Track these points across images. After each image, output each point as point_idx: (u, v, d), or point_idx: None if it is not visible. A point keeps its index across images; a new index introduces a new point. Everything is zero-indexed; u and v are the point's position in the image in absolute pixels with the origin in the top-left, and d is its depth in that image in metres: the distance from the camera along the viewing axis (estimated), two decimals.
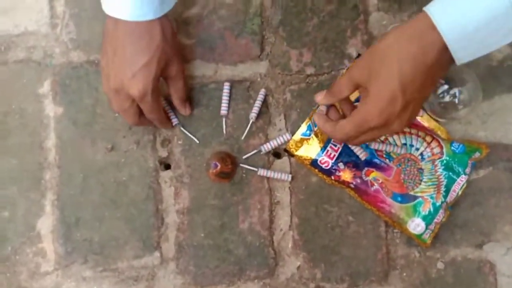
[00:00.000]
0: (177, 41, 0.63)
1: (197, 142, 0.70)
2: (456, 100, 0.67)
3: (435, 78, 0.50)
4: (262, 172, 0.69)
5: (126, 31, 0.57)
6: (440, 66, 0.49)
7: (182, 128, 0.70)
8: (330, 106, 0.60)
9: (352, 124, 0.54)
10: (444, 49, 0.47)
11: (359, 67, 0.53)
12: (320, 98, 0.59)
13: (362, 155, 0.67)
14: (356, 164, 0.67)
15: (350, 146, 0.67)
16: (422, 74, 0.48)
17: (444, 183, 0.67)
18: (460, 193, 0.68)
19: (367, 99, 0.52)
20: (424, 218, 0.67)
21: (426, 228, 0.67)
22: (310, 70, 0.71)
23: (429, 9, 0.47)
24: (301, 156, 0.68)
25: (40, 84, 0.72)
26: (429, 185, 0.67)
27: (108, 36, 0.59)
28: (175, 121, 0.70)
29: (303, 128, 0.68)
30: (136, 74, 0.58)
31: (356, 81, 0.54)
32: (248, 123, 0.70)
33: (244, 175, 0.70)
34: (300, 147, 0.68)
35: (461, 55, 0.47)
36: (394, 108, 0.50)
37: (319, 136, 0.68)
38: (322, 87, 0.71)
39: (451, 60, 0.48)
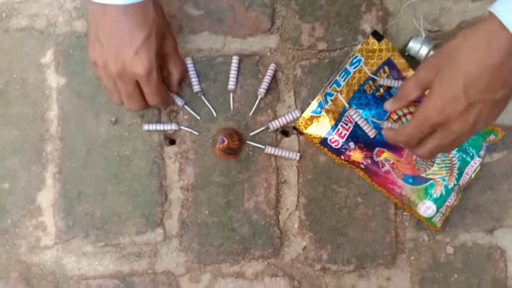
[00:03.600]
0: (165, 15, 0.62)
1: (198, 118, 0.68)
2: None
3: (508, 80, 0.47)
4: (269, 149, 0.67)
5: (118, 13, 0.55)
6: None
7: (185, 106, 0.68)
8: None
9: (413, 122, 0.53)
10: None
11: (426, 67, 0.52)
12: (389, 104, 0.58)
13: (371, 132, 0.65)
14: (367, 144, 0.65)
15: (360, 124, 0.64)
16: (488, 76, 0.46)
17: (457, 165, 0.65)
18: (473, 176, 0.66)
19: (430, 96, 0.50)
20: (435, 201, 0.65)
21: (437, 211, 0.65)
22: (322, 46, 0.69)
23: (495, 9, 0.45)
24: (311, 134, 0.66)
25: (43, 53, 0.70)
26: (441, 167, 0.65)
27: (98, 24, 0.57)
28: (180, 102, 0.68)
29: (314, 105, 0.66)
30: (138, 50, 0.56)
31: (424, 81, 0.53)
32: (257, 99, 0.68)
33: (250, 153, 0.68)
34: (309, 125, 0.66)
35: None
36: (455, 107, 0.49)
37: (330, 113, 0.65)
38: (334, 64, 0.68)
39: None
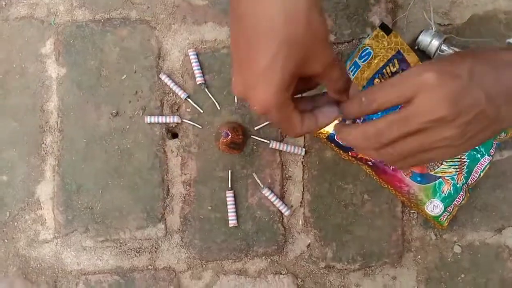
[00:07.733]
0: (323, 17, 0.38)
1: (201, 111, 0.67)
2: None
3: None
4: (274, 144, 0.65)
5: (247, 11, 0.38)
6: None
7: (188, 99, 0.66)
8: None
9: (395, 116, 0.39)
10: None
11: (456, 55, 0.43)
12: (347, 109, 0.43)
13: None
14: None
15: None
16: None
17: (467, 163, 0.64)
18: (481, 174, 0.64)
19: (438, 84, 0.37)
20: (443, 199, 0.63)
21: (444, 210, 0.64)
22: (330, 38, 0.67)
23: None
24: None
25: (43, 43, 0.68)
26: (450, 166, 0.64)
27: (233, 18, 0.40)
28: (183, 95, 0.66)
29: None
30: (257, 82, 0.38)
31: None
32: None
33: (255, 147, 0.67)
34: None
35: None
36: (474, 105, 0.38)
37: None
38: (342, 56, 0.66)
39: None
